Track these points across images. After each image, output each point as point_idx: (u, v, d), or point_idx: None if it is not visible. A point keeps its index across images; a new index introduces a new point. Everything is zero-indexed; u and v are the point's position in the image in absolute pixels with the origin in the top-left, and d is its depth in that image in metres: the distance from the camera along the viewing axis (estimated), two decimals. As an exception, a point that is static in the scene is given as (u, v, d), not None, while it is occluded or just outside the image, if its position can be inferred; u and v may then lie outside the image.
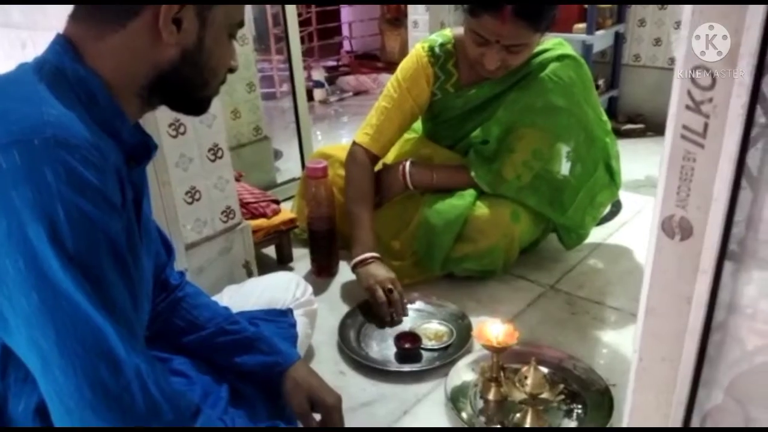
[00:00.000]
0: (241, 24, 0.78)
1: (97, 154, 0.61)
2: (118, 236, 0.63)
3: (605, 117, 1.62)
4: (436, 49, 1.59)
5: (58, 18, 1.18)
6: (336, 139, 3.18)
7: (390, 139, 1.60)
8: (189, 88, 0.76)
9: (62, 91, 0.66)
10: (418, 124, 1.86)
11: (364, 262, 1.44)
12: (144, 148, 0.76)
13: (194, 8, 0.70)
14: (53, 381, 0.58)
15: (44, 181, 0.57)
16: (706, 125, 0.43)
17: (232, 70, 0.80)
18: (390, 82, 1.61)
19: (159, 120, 1.21)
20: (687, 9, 0.42)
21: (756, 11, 0.39)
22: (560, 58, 1.51)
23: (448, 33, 1.61)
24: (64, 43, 0.70)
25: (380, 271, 1.43)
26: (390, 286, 1.41)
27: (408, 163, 1.58)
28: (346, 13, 4.85)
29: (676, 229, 0.46)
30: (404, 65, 1.61)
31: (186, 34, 0.70)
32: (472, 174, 1.53)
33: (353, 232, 1.51)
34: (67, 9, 1.13)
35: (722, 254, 0.44)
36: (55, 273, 0.57)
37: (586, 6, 2.42)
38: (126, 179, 0.70)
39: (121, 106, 0.71)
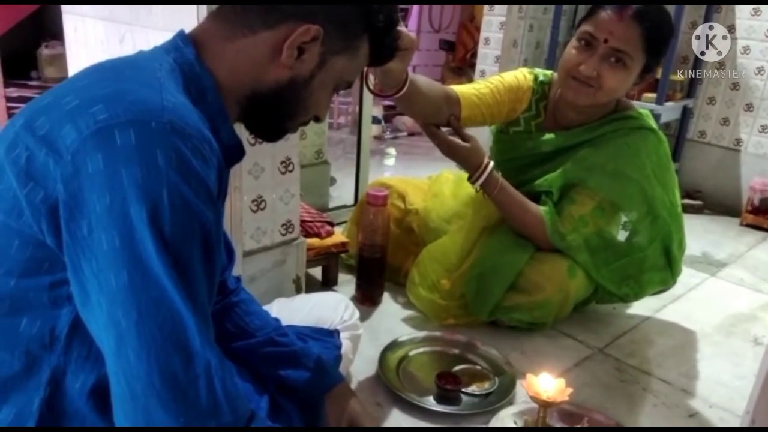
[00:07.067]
0: (349, 84, 0.81)
1: (207, 146, 0.63)
2: (212, 229, 0.63)
3: (677, 200, 1.55)
4: (539, 80, 1.55)
5: (162, 16, 1.23)
6: (382, 174, 3.20)
7: (479, 106, 1.46)
8: (278, 114, 0.78)
9: (176, 82, 0.69)
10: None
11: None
12: (238, 151, 0.78)
13: (321, 46, 0.72)
14: (125, 363, 0.57)
15: (155, 163, 0.57)
16: None
17: (318, 119, 0.82)
18: (487, 79, 1.53)
19: (240, 126, 1.24)
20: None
21: None
22: (642, 128, 1.48)
23: (548, 73, 1.58)
24: (185, 38, 0.73)
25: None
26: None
27: (492, 164, 1.47)
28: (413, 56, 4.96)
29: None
30: (506, 75, 1.54)
31: (302, 64, 0.73)
32: (543, 209, 1.48)
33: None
34: (174, 10, 1.16)
35: None
36: (149, 255, 0.57)
37: (658, 77, 2.41)
38: (223, 176, 0.71)
39: (226, 107, 0.73)
